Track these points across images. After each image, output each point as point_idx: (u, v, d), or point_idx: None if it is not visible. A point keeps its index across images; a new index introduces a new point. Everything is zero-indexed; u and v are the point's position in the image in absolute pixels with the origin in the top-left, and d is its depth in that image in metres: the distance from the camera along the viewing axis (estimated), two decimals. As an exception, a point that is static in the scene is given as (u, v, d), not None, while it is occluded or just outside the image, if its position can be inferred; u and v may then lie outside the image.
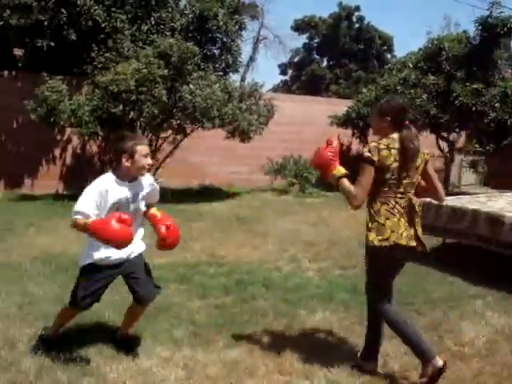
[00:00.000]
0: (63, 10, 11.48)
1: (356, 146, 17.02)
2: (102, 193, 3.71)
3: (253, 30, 29.28)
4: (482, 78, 14.03)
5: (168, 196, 12.14)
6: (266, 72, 50.15)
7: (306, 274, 6.34)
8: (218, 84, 11.64)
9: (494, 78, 14.23)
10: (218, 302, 5.16)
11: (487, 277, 6.11)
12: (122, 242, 3.49)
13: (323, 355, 4.07)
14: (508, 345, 4.43)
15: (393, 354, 4.15)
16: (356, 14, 35.18)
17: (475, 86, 13.68)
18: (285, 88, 36.12)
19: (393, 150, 3.60)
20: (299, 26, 35.50)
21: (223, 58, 13.75)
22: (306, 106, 16.25)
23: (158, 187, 4.08)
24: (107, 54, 11.34)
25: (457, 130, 15.41)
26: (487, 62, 14.22)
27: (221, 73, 13.47)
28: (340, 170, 3.68)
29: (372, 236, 3.66)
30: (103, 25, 11.84)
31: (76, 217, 3.67)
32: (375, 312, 3.88)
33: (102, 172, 12.89)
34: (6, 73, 12.20)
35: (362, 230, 9.09)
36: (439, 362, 3.57)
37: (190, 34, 13.09)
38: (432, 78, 14.25)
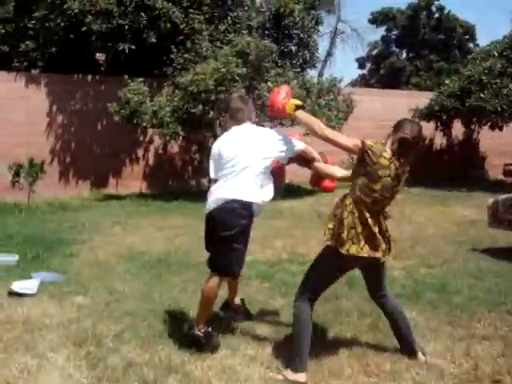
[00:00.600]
0: (142, 14, 11.74)
1: (439, 140, 16.52)
2: None
3: (330, 25, 28.92)
4: None
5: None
6: (343, 67, 49.55)
7: (391, 273, 6.14)
8: (295, 80, 11.58)
9: None
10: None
11: None
12: None
13: (410, 356, 3.94)
14: None
15: (484, 356, 3.95)
16: (435, 3, 34.12)
17: None
18: (363, 82, 35.55)
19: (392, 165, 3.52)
20: (377, 19, 34.81)
21: (300, 54, 13.66)
22: (386, 99, 15.89)
23: None
24: (186, 55, 11.52)
25: (548, 119, 14.65)
26: None
27: (298, 69, 13.39)
28: (291, 105, 3.80)
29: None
30: (181, 26, 12.02)
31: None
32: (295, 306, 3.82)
33: (183, 171, 13.05)
34: (89, 77, 12.61)
35: (447, 226, 8.83)
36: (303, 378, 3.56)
37: (266, 32, 13.10)
38: (519, 66, 13.63)
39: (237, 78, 10.63)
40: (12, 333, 4.26)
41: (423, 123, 14.83)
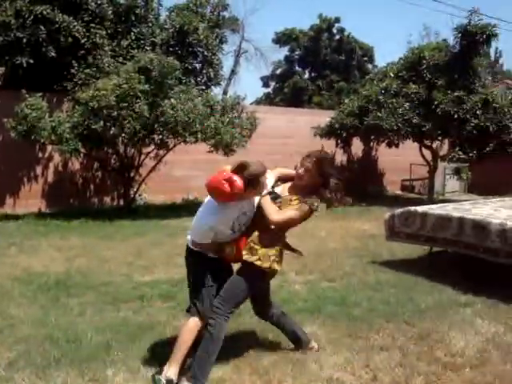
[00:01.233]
0: (42, 27, 11.36)
1: (340, 157, 17.04)
2: None
3: (234, 44, 29.37)
4: (462, 85, 14.13)
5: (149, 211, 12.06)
6: (248, 85, 50.32)
7: (293, 287, 6.25)
8: (199, 98, 11.58)
9: (475, 86, 14.34)
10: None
11: (476, 284, 6.07)
12: None
13: (311, 370, 3.99)
14: (499, 354, 4.37)
15: (383, 366, 4.07)
16: (336, 25, 35.40)
17: (456, 94, 13.78)
18: (268, 100, 36.15)
19: None
20: (280, 39, 35.63)
21: (204, 71, 13.70)
22: (289, 117, 16.24)
23: None
24: (87, 70, 11.26)
25: (439, 138, 15.47)
26: (468, 70, 14.34)
27: (202, 86, 13.42)
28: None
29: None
30: (83, 41, 11.74)
31: None
32: (210, 322, 3.75)
33: (84, 189, 12.59)
34: (-15, 91, 12.05)
35: (347, 240, 9.08)
36: None
37: (170, 49, 13.05)
38: (413, 86, 14.33)
39: (139, 94, 10.49)
40: None
41: (324, 141, 15.31)
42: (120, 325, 4.84)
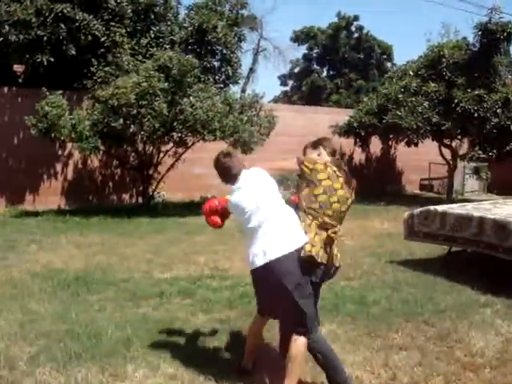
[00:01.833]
0: (62, 26, 11.46)
1: (358, 156, 16.98)
2: None
3: (252, 42, 29.34)
4: (483, 84, 14.01)
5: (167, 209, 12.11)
6: (266, 83, 50.12)
7: (311, 286, 6.24)
8: (218, 96, 11.62)
9: (495, 84, 14.21)
10: (222, 317, 5.07)
11: (495, 284, 6.02)
12: None
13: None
14: (519, 354, 4.33)
15: (402, 366, 4.06)
16: (355, 23, 35.23)
17: (476, 93, 13.66)
18: (285, 99, 36.09)
19: None
20: (298, 37, 35.53)
21: (223, 69, 13.71)
22: (307, 116, 16.22)
23: None
24: (107, 68, 11.32)
25: (459, 136, 15.35)
26: (488, 68, 14.21)
27: (221, 85, 13.44)
28: None
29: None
30: (102, 39, 11.82)
31: None
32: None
33: (103, 186, 12.72)
34: (6, 89, 12.18)
35: (365, 239, 9.06)
36: None
37: (189, 47, 13.08)
38: (433, 85, 14.24)
39: (158, 92, 10.54)
40: None
41: (343, 139, 15.27)
42: (140, 321, 4.87)
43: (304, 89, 34.73)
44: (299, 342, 3.46)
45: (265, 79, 56.78)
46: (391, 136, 15.26)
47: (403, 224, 7.52)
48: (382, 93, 15.21)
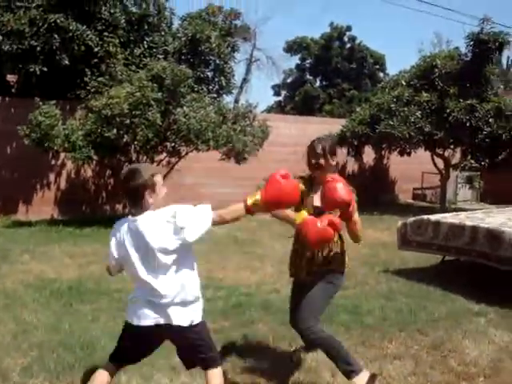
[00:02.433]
0: (55, 36, 11.45)
1: (351, 165, 17.02)
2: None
3: (245, 52, 29.43)
4: (475, 93, 14.10)
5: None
6: (259, 93, 50.41)
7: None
8: (211, 106, 11.64)
9: (487, 94, 14.31)
10: (216, 327, 5.05)
11: (489, 293, 6.05)
12: (296, 198, 3.23)
13: (325, 378, 3.99)
14: (513, 363, 4.34)
15: (396, 375, 4.06)
16: (347, 33, 35.45)
17: (469, 102, 13.75)
18: (278, 109, 36.20)
19: None
20: (291, 47, 35.70)
21: (216, 79, 13.76)
22: (301, 126, 16.25)
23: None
24: (100, 79, 11.32)
25: (452, 146, 15.42)
26: (480, 78, 14.31)
27: (214, 95, 13.47)
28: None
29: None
30: (96, 49, 11.83)
31: (215, 215, 3.06)
32: (315, 336, 3.72)
33: (96, 197, 12.66)
34: (-1, 99, 12.18)
35: (359, 249, 9.06)
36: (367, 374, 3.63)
37: (182, 57, 13.11)
38: (425, 95, 14.30)
39: (152, 102, 10.55)
40: None
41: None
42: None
43: (297, 99, 34.86)
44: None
45: (258, 89, 57.03)
46: (384, 145, 15.30)
47: (396, 233, 7.54)
48: (374, 102, 15.27)
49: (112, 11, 12.18)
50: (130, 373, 3.98)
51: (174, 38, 13.35)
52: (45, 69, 11.65)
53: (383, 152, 16.60)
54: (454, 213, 8.50)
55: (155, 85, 10.74)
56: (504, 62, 31.46)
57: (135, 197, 3.10)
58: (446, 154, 15.76)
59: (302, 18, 58.97)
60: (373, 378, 3.60)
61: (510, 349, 4.65)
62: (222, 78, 13.77)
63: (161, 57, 12.56)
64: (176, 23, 14.08)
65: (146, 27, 12.86)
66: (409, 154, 15.01)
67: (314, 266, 3.80)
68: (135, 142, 10.91)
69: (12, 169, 12.07)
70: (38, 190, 12.54)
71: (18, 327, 4.98)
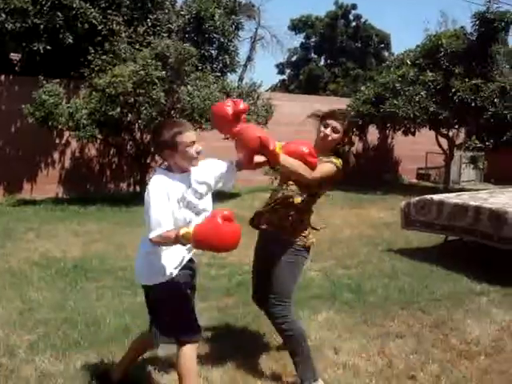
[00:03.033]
0: (59, 14, 11.40)
1: (355, 145, 16.98)
2: (169, 195, 3.05)
3: (250, 30, 29.21)
4: (480, 73, 14.01)
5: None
6: (263, 72, 50.14)
7: (309, 274, 6.28)
8: (215, 84, 11.60)
9: (493, 74, 14.21)
10: (220, 305, 5.11)
11: (491, 273, 6.07)
12: (233, 246, 2.94)
13: (327, 356, 4.03)
14: (514, 342, 4.38)
15: (398, 353, 4.10)
16: (353, 12, 35.14)
17: (474, 82, 13.67)
18: (283, 87, 36.01)
19: None
20: (296, 26, 35.43)
21: (220, 58, 13.70)
22: (305, 105, 16.14)
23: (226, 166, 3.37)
24: (104, 57, 11.26)
25: (456, 126, 15.37)
26: (485, 58, 14.21)
27: (218, 73, 13.41)
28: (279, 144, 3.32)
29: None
30: (99, 27, 11.77)
31: (156, 235, 2.97)
32: (280, 321, 3.52)
33: (100, 175, 12.69)
34: (3, 77, 12.13)
35: (362, 228, 9.09)
36: None
37: (186, 35, 13.06)
38: (430, 74, 14.23)
39: (156, 80, 10.52)
40: None
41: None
42: (138, 309, 4.88)
43: (301, 77, 34.66)
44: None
45: (262, 68, 56.68)
46: (388, 125, 15.27)
47: (400, 213, 7.56)
48: (379, 82, 15.19)
49: (115, -11, 12.09)
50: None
51: (178, 16, 13.27)
52: (48, 47, 11.62)
53: (387, 132, 16.56)
54: (458, 193, 8.51)
55: (159, 63, 10.70)
56: (510, 41, 31.19)
57: (159, 155, 3.22)
58: (451, 133, 15.72)
59: (307, -4, 58.21)
60: None
61: (511, 328, 4.69)
62: (226, 56, 13.72)
63: (165, 35, 12.48)
64: (180, 1, 14.02)
65: (149, 5, 12.75)
66: (413, 133, 14.97)
67: (265, 222, 3.64)
68: (139, 121, 10.91)
69: (16, 147, 12.08)
70: (43, 169, 12.57)
71: (23, 305, 5.03)
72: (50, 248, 7.35)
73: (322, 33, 35.02)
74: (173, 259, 3.17)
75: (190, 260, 3.33)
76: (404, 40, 38.85)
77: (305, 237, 3.59)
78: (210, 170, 3.29)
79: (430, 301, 5.34)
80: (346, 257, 7.09)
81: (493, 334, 4.52)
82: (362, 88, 16.20)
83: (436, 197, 7.25)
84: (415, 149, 17.37)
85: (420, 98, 13.95)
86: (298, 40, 36.71)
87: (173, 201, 3.05)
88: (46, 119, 10.59)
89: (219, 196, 12.66)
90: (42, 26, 11.44)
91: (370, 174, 15.99)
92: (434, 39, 14.76)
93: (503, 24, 13.91)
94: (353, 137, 3.78)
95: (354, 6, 34.91)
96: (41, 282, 5.77)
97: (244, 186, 13.75)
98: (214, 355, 3.98)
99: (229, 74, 14.41)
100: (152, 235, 2.97)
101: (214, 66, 13.62)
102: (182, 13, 13.32)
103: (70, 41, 11.66)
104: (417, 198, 7.37)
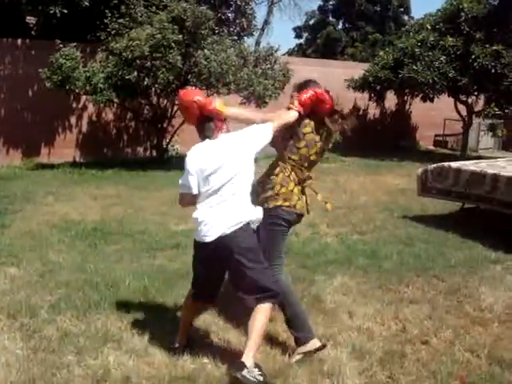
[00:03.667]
0: (75, -24, 11.32)
1: (373, 111, 16.85)
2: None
3: (267, -7, 28.71)
4: (501, 39, 13.76)
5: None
6: (280, 35, 49.50)
7: (325, 240, 6.33)
8: (232, 48, 11.51)
9: (514, 40, 13.94)
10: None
11: (507, 242, 6.06)
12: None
13: (342, 320, 4.09)
14: (528, 309, 4.41)
15: (412, 318, 4.15)
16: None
17: (495, 48, 13.43)
18: (300, 52, 35.63)
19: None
20: (314, -12, 34.92)
21: (238, 21, 13.55)
22: (322, 69, 15.99)
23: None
24: (120, 20, 11.19)
25: (475, 93, 15.16)
26: (507, 23, 13.94)
27: (235, 37, 13.28)
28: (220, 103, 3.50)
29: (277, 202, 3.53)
30: (116, -10, 11.67)
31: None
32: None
33: (117, 139, 12.74)
34: (19, 41, 12.12)
35: (378, 194, 9.10)
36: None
37: (203, -2, 12.90)
38: (451, 39, 14.00)
39: (173, 44, 10.46)
40: None
41: (358, 94, 15.14)
42: (156, 271, 5.00)
43: (319, 42, 34.23)
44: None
45: (279, 31, 55.97)
46: (407, 91, 15.11)
47: (416, 180, 7.54)
48: (398, 47, 14.98)
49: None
50: (154, 311, 4.11)
51: (195, -21, 13.09)
52: (65, 11, 11.53)
53: (405, 98, 16.38)
54: (475, 160, 8.45)
55: (176, 27, 10.63)
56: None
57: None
58: (470, 100, 15.52)
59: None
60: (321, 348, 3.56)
61: (526, 296, 4.71)
62: (244, 19, 13.56)
63: (181, -2, 12.36)
64: (197, -38, 13.78)
65: (166, -33, 12.60)
66: (432, 100, 14.80)
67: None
68: (156, 85, 10.89)
69: (34, 112, 12.13)
70: (60, 133, 12.64)
71: (44, 267, 5.13)
72: (69, 211, 7.44)
73: (340, -4, 34.44)
74: None
75: None
76: (424, 4, 38.10)
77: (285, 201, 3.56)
78: None
79: (445, 268, 5.37)
80: (361, 223, 7.11)
81: (506, 302, 4.55)
82: (381, 53, 15.98)
83: (453, 164, 7.21)
84: (433, 115, 17.18)
85: (439, 64, 13.77)
86: (315, 3, 36.14)
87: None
88: (64, 83, 10.61)
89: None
90: (58, -11, 11.36)
91: (386, 140, 15.90)
92: (455, 3, 14.47)
93: (527, -12, 13.59)
94: (343, 110, 3.76)
95: (373, -31, 34.20)
96: (61, 245, 5.87)
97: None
98: (230, 316, 4.06)
99: (246, 37, 14.28)
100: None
101: (231, 29, 13.49)
102: (199, -25, 13.14)
103: (87, 4, 11.56)
104: (434, 165, 7.34)
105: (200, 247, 3.43)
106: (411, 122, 18.10)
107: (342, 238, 6.41)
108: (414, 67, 13.80)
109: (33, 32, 13.41)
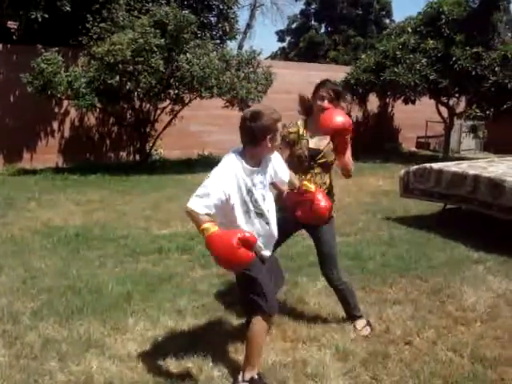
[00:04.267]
0: (56, -20, 11.26)
1: (355, 113, 16.93)
2: (231, 179, 3.07)
3: (249, -3, 28.85)
4: (481, 41, 13.91)
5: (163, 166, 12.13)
6: (263, 39, 49.58)
7: (308, 242, 6.32)
8: (215, 52, 11.51)
9: (494, 42, 14.13)
10: (219, 272, 5.16)
11: (488, 242, 6.13)
12: (228, 267, 3.08)
13: (326, 321, 4.11)
14: (509, 309, 4.46)
15: (395, 319, 4.18)
16: (354, -22, 34.61)
17: (475, 50, 13.58)
18: (282, 55, 35.67)
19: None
20: (296, -8, 34.98)
21: (220, 25, 13.55)
22: (305, 73, 16.05)
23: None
24: (102, 24, 11.15)
25: (456, 94, 15.31)
26: (487, 26, 14.10)
27: (218, 41, 13.30)
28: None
29: None
30: (97, -6, 11.63)
31: (194, 205, 3.00)
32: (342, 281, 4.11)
33: (100, 144, 12.62)
34: (0, 46, 12.02)
35: (361, 196, 9.15)
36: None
37: (185, 2, 12.89)
38: (431, 42, 14.13)
39: (155, 48, 10.44)
40: None
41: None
42: (140, 276, 4.98)
43: (301, 45, 34.29)
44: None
45: (262, 35, 56.04)
46: (388, 93, 15.21)
47: (399, 181, 7.60)
48: (379, 50, 15.08)
49: (113, -45, 11.89)
50: (137, 316, 4.11)
51: (177, -17, 13.08)
52: (46, 15, 11.47)
53: (387, 100, 16.49)
54: (457, 162, 8.52)
55: (158, 31, 10.62)
56: (512, 8, 30.72)
57: (251, 138, 3.09)
58: (451, 102, 15.66)
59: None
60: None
61: (507, 295, 4.75)
62: (226, 23, 13.57)
63: (163, 2, 12.32)
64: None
65: (148, -29, 12.59)
66: (413, 102, 14.91)
67: None
68: (138, 89, 10.86)
69: (15, 117, 12.03)
70: (42, 138, 12.54)
71: (26, 273, 5.09)
72: (52, 217, 7.40)
73: (322, 0, 34.55)
74: None
75: None
76: (405, 7, 38.44)
77: None
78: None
79: (428, 268, 5.42)
80: (344, 224, 7.13)
81: (488, 301, 4.59)
82: (363, 56, 16.08)
83: (435, 165, 7.27)
84: (415, 117, 17.31)
85: (421, 66, 13.88)
86: (298, 7, 36.24)
87: (234, 190, 3.08)
88: (45, 88, 10.54)
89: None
90: (39, -6, 11.29)
91: (369, 142, 15.97)
92: (436, 6, 14.62)
93: (505, -9, 13.77)
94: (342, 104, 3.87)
95: (354, -28, 34.36)
96: (43, 251, 5.82)
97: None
98: (215, 319, 4.06)
99: (228, 41, 14.29)
100: (191, 203, 3.00)
101: (214, 33, 13.49)
102: (181, -21, 13.13)
103: (68, 8, 11.50)
104: (416, 167, 7.40)
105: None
106: (394, 124, 18.21)
107: (325, 240, 6.41)
108: (396, 70, 13.90)
109: (14, 37, 13.30)
